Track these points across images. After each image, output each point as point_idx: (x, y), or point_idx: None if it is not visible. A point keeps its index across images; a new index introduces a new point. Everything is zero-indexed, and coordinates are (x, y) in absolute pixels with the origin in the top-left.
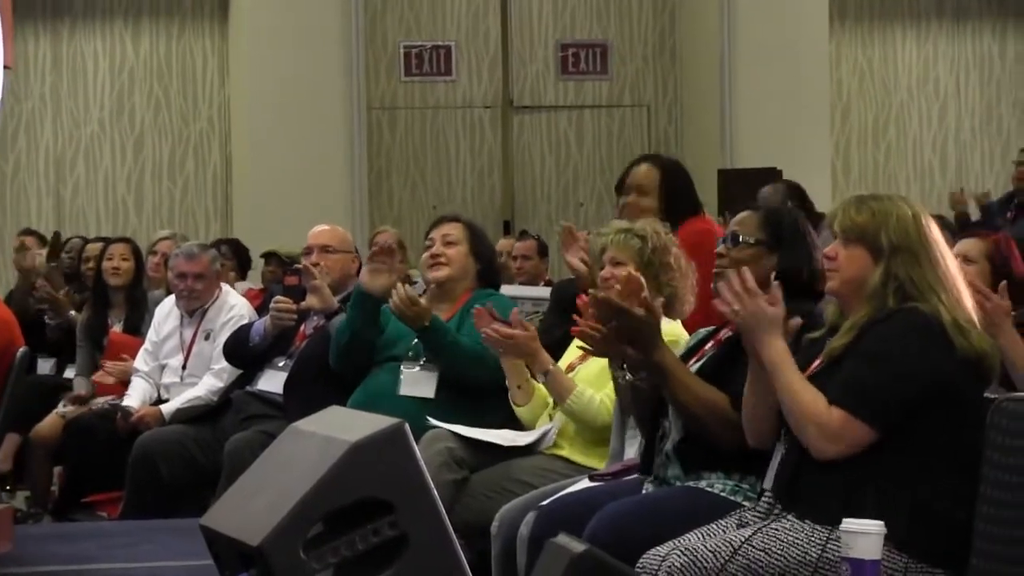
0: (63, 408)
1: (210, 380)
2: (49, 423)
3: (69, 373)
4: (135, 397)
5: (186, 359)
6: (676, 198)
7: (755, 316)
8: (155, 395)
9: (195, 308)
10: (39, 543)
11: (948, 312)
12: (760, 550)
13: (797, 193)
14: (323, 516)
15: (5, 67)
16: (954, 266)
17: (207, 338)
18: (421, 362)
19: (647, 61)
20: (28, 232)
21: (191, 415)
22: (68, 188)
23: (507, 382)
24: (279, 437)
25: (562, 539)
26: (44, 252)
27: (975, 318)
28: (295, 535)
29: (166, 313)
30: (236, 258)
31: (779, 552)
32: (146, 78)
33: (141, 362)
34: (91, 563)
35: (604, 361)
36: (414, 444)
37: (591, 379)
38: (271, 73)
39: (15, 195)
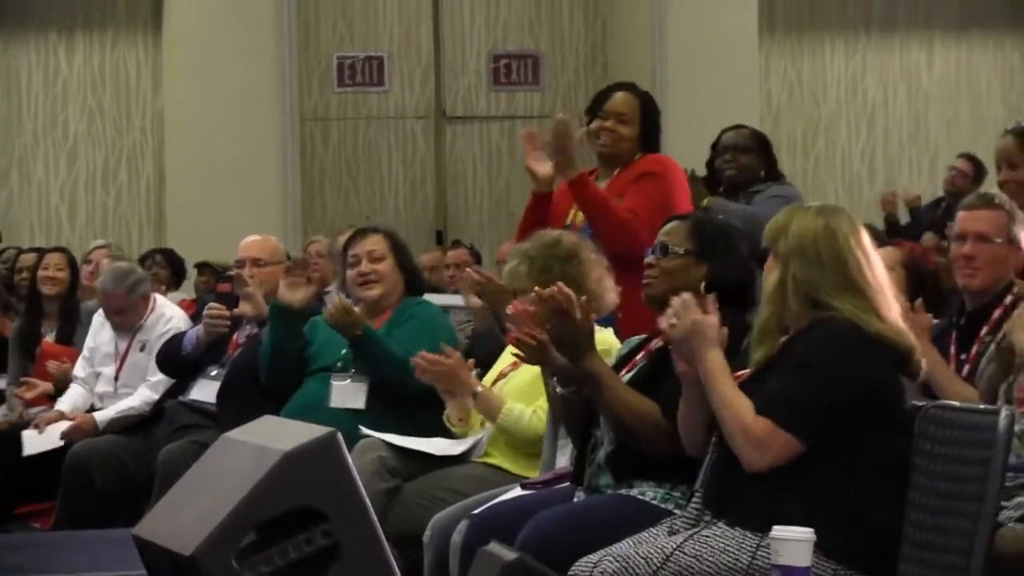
0: (6, 415)
1: (146, 392)
2: None
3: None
4: (66, 403)
5: (119, 369)
6: (653, 129)
7: (692, 330)
8: (91, 402)
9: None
10: None
11: (865, 316)
12: (691, 556)
13: (762, 141)
14: (256, 525)
15: None
16: (879, 272)
17: (142, 349)
18: (351, 373)
19: (579, 73)
20: None
21: (124, 425)
22: (2, 199)
23: (446, 412)
24: (212, 447)
25: (494, 547)
26: None
27: (900, 321)
28: (228, 545)
29: (101, 322)
30: (170, 267)
31: (710, 559)
32: (79, 89)
33: (80, 368)
34: (24, 575)
35: (536, 369)
36: (347, 453)
37: (523, 387)
38: (204, 84)
39: None
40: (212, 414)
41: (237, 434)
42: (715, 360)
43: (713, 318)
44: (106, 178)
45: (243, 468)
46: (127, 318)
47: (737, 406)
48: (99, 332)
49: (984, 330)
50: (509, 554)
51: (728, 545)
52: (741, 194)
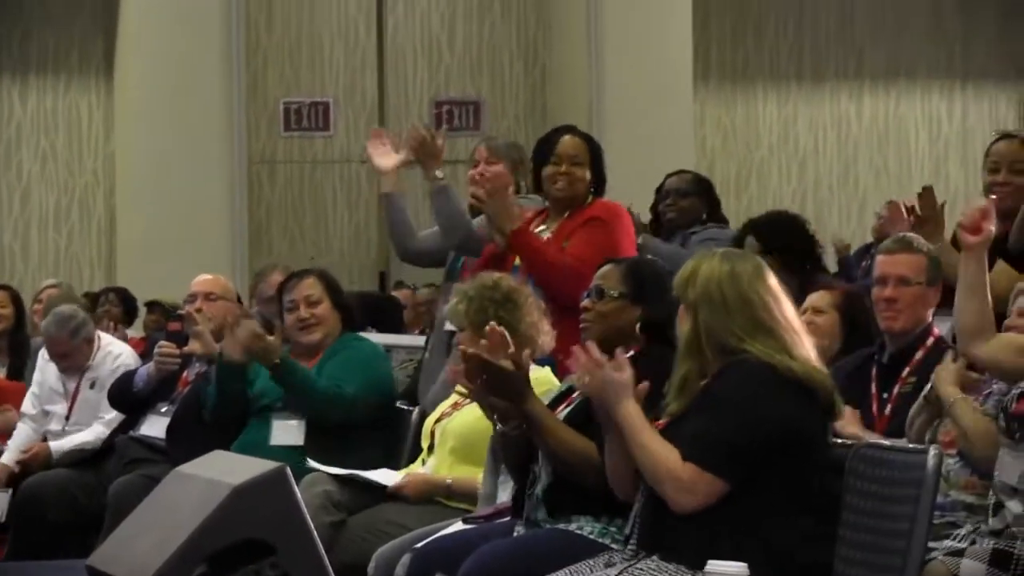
0: None
1: (100, 427)
2: None
3: None
4: (15, 443)
5: (71, 408)
6: (600, 171)
7: (603, 386)
8: (37, 440)
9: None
10: None
11: (777, 356)
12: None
13: (704, 185)
14: (206, 557)
15: None
16: (788, 312)
17: (92, 387)
18: (290, 410)
19: (519, 118)
20: None
21: (77, 458)
22: None
23: None
24: (163, 480)
25: None
26: None
27: (813, 357)
28: (188, 572)
29: (47, 361)
30: (123, 306)
31: None
32: (33, 132)
33: (28, 405)
34: None
35: (476, 410)
36: (295, 487)
37: (468, 425)
38: (155, 128)
39: None
40: (162, 449)
41: (188, 468)
42: (630, 414)
43: (624, 374)
44: (58, 218)
45: (194, 501)
46: (73, 360)
47: (659, 454)
48: (45, 370)
49: (906, 371)
50: None
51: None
52: (680, 235)
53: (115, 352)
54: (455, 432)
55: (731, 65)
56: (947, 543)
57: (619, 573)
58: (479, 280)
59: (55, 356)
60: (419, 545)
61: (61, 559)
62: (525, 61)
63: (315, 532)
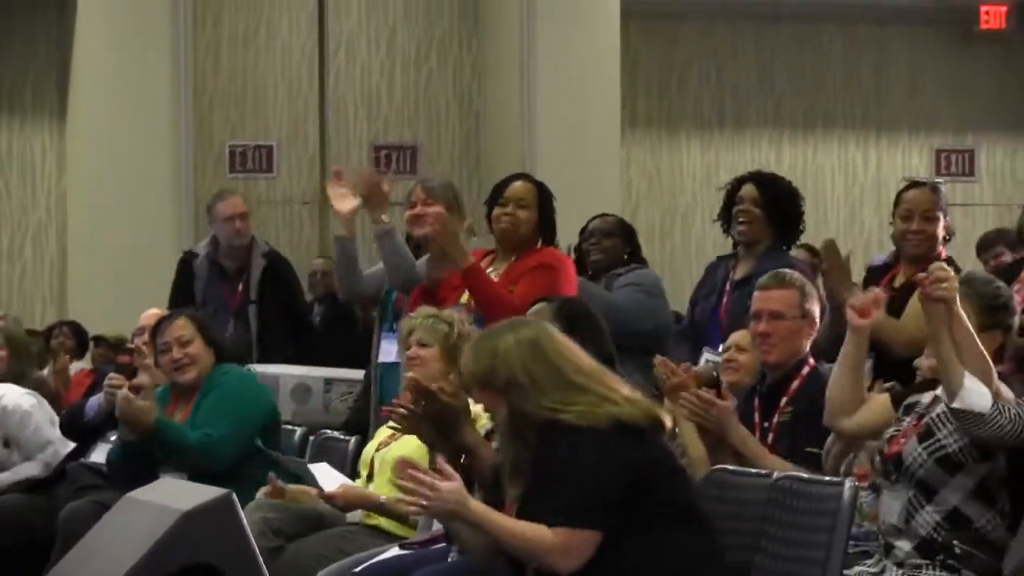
0: None
1: (40, 463)
2: None
3: None
4: None
5: None
6: (548, 215)
7: (440, 505)
8: None
9: None
10: None
11: (599, 410)
12: None
13: (626, 228)
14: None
15: None
16: (587, 359)
17: (7, 445)
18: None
19: (454, 162)
20: None
21: (23, 487)
22: None
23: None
24: (115, 506)
25: None
26: None
27: (628, 391)
28: None
29: None
30: (76, 339)
31: None
32: None
33: None
34: None
35: (414, 440)
36: (241, 512)
37: (406, 454)
38: (105, 168)
39: None
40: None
41: (138, 494)
42: (480, 511)
43: (454, 484)
44: (12, 254)
45: (144, 526)
46: None
47: (527, 532)
48: None
49: (784, 400)
50: None
51: None
52: (604, 276)
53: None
54: (393, 461)
55: (657, 113)
56: (858, 569)
57: None
58: (421, 312)
59: None
60: (357, 570)
61: None
62: (460, 108)
63: (260, 557)
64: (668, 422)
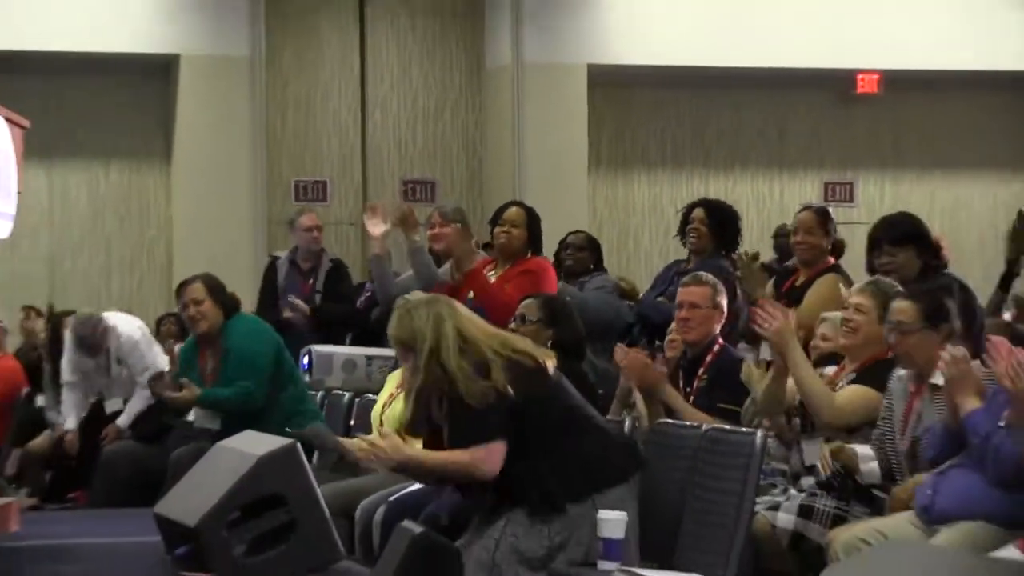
0: (52, 432)
1: (142, 398)
2: (41, 441)
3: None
4: (71, 416)
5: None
6: (536, 233)
7: (384, 457)
8: (86, 403)
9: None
10: (37, 525)
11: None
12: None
13: (593, 243)
14: (240, 506)
15: (18, 192)
16: (480, 325)
17: (119, 363)
18: None
19: (462, 193)
20: (28, 307)
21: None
22: (62, 279)
23: None
24: (208, 452)
25: (406, 523)
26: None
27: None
28: (220, 519)
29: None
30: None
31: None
32: (115, 200)
33: (68, 373)
34: (72, 539)
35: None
36: (303, 456)
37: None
38: (200, 198)
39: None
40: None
41: (226, 443)
42: (411, 456)
43: (388, 441)
44: (132, 264)
45: (230, 467)
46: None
47: (447, 459)
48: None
49: (701, 370)
50: (417, 529)
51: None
52: (576, 280)
53: (123, 333)
54: (394, 418)
55: (615, 155)
56: (767, 498)
57: (505, 524)
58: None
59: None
60: (391, 499)
61: (133, 508)
62: (467, 152)
63: (318, 489)
64: (551, 365)
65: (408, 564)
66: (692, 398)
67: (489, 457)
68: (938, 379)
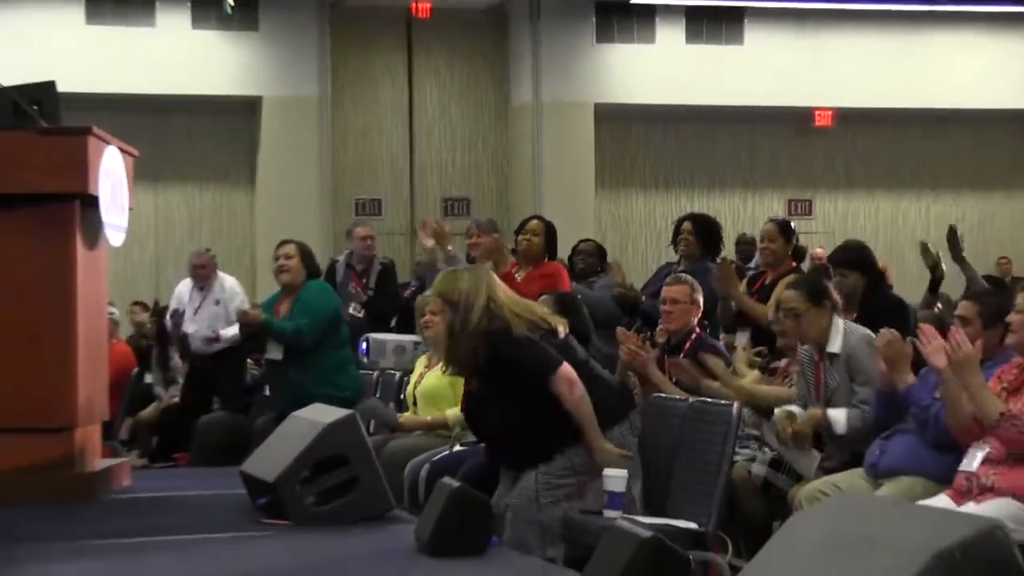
0: (159, 404)
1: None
2: (150, 411)
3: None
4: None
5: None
6: (552, 241)
7: None
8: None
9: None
10: (145, 480)
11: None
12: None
13: (601, 249)
14: (310, 465)
15: (129, 208)
16: (508, 292)
17: (216, 304)
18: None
19: (492, 208)
20: (137, 302)
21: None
22: (164, 280)
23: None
24: (284, 422)
25: (446, 480)
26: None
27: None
28: (294, 475)
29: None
30: None
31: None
32: (208, 215)
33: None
34: (173, 492)
35: (437, 374)
36: (361, 423)
37: (430, 387)
38: (277, 212)
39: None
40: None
41: (299, 413)
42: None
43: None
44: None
45: (303, 432)
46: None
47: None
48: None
49: (681, 354)
50: (454, 483)
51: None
52: (586, 280)
53: (227, 284)
54: (423, 393)
55: (617, 178)
56: (746, 451)
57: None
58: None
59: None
60: (434, 459)
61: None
62: (496, 174)
63: (372, 451)
64: (561, 329)
65: (447, 513)
66: (675, 380)
67: (570, 376)
68: (834, 347)
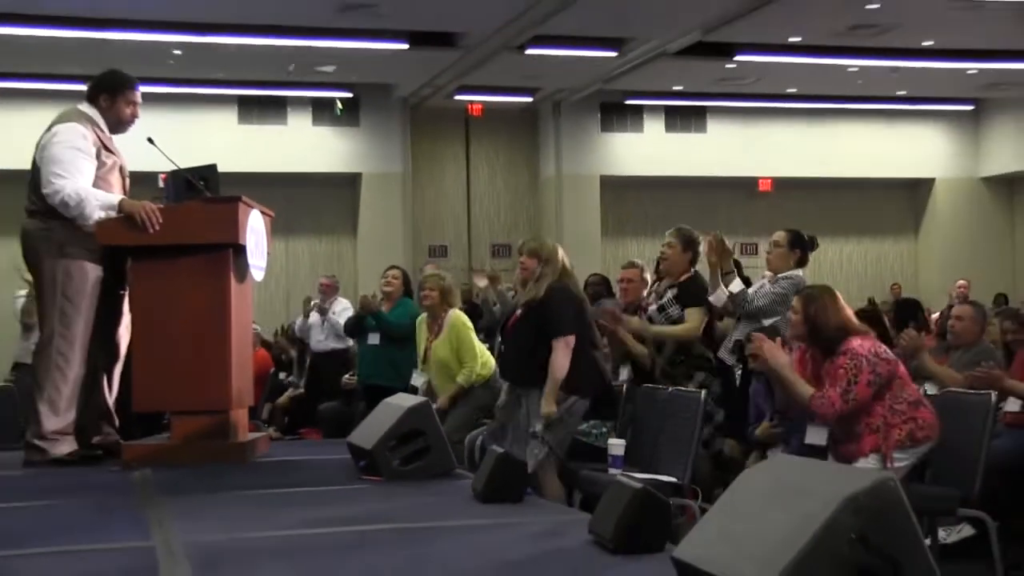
0: (289, 393)
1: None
2: (283, 399)
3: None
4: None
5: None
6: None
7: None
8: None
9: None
10: (279, 448)
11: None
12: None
13: (607, 282)
14: (396, 437)
15: (267, 253)
16: (564, 255)
17: (333, 314)
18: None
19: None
20: (280, 330)
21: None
22: (293, 308)
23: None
24: (378, 406)
25: (494, 447)
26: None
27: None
28: (385, 444)
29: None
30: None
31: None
32: (324, 260)
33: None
34: (299, 456)
35: (448, 347)
36: (432, 405)
37: (445, 357)
38: (374, 256)
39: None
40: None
41: (388, 400)
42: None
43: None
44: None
45: (391, 414)
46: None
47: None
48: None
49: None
50: (500, 450)
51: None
52: (596, 303)
53: (341, 304)
54: (437, 366)
55: (617, 229)
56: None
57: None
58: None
59: (324, 286)
60: (486, 432)
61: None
62: (529, 227)
63: (440, 424)
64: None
65: (494, 471)
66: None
67: (567, 346)
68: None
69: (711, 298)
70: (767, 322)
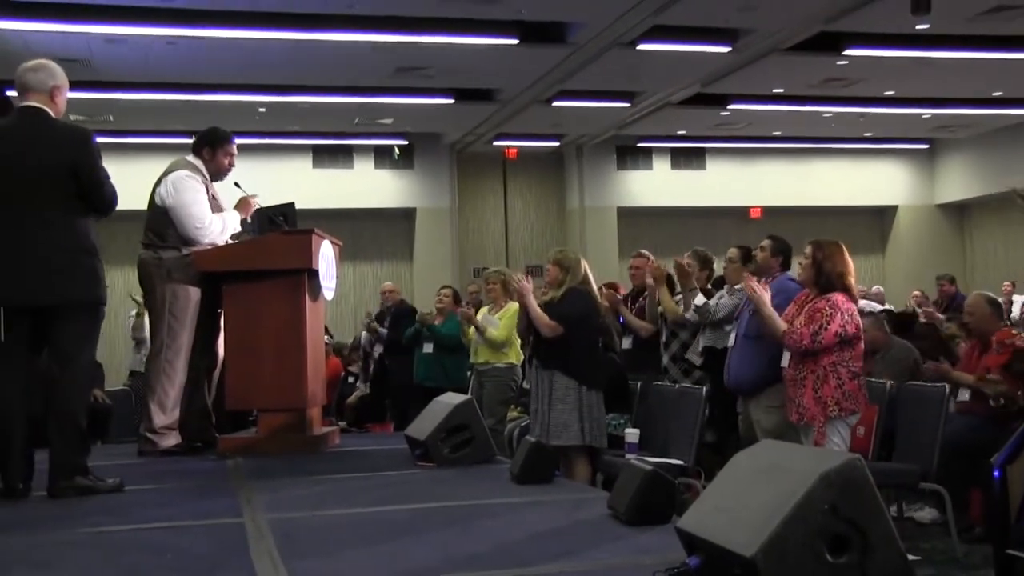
0: (357, 393)
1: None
2: (351, 398)
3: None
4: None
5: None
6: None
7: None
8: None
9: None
10: (348, 439)
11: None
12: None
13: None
14: (446, 429)
15: (336, 276)
16: (587, 267)
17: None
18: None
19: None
20: (348, 345)
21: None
22: (359, 322)
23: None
24: (429, 404)
25: (528, 437)
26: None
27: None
28: (437, 435)
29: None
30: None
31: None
32: (386, 278)
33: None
34: (365, 447)
35: (506, 331)
36: (475, 402)
37: (504, 336)
38: (427, 277)
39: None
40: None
41: (439, 398)
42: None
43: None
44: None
45: (441, 410)
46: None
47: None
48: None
49: (640, 298)
50: (533, 439)
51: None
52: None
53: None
54: (490, 342)
55: (634, 250)
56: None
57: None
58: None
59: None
60: (522, 424)
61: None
62: (556, 243)
63: (483, 418)
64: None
65: (528, 458)
66: (634, 311)
67: (551, 329)
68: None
69: (687, 315)
70: (728, 327)
